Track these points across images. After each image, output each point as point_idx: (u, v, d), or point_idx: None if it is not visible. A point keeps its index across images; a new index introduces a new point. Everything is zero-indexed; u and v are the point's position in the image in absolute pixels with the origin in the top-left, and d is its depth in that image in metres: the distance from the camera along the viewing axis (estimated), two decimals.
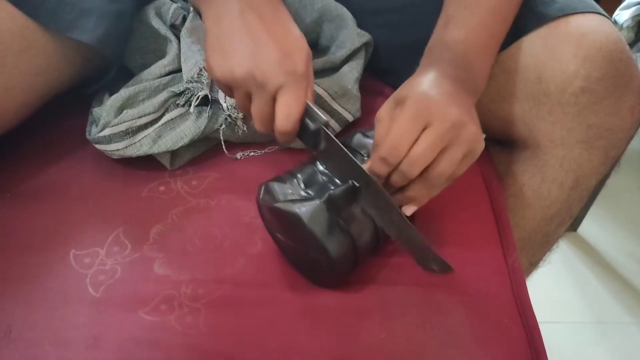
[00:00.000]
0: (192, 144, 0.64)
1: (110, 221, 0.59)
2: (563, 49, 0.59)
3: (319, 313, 0.52)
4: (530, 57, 0.62)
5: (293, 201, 0.50)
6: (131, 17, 0.69)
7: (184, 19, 0.70)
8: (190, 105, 0.63)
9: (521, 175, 0.67)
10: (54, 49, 0.61)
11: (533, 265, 0.78)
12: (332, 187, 0.51)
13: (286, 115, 0.50)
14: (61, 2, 0.60)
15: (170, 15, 0.70)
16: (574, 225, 1.41)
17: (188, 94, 0.63)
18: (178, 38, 0.68)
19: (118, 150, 0.61)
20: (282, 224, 0.52)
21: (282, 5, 0.55)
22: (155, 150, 0.62)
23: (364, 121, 0.70)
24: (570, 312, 1.25)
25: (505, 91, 0.65)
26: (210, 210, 0.60)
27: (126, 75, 0.69)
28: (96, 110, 0.63)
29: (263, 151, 0.67)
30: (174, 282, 0.53)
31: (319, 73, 0.69)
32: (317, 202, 0.48)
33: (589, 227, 1.41)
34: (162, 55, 0.68)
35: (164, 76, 0.66)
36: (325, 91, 0.67)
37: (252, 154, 0.67)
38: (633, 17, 1.16)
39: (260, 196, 0.52)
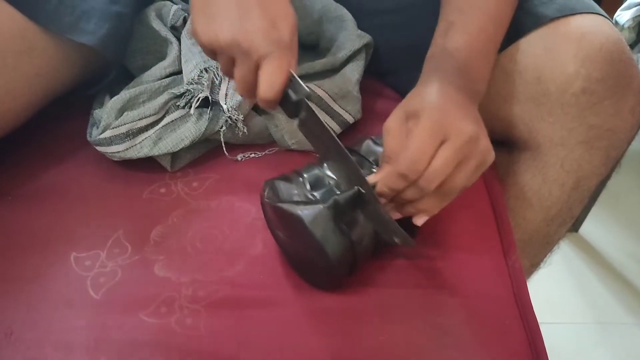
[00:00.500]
0: (193, 145, 0.64)
1: (110, 223, 0.59)
2: (563, 49, 0.59)
3: (319, 315, 0.52)
4: (530, 58, 0.62)
5: (297, 203, 0.50)
6: (132, 18, 0.69)
7: (185, 20, 0.70)
8: (190, 107, 0.63)
9: (522, 176, 0.67)
10: (54, 50, 0.61)
11: (534, 266, 0.78)
12: (338, 192, 0.51)
13: (269, 84, 0.49)
14: (62, 4, 0.60)
15: (170, 17, 0.70)
16: (575, 226, 1.40)
17: (188, 95, 0.63)
18: (179, 40, 0.68)
19: (119, 152, 0.61)
20: (284, 224, 0.52)
21: None
22: (155, 152, 0.62)
23: (365, 122, 0.70)
24: (571, 313, 1.25)
25: (505, 92, 0.65)
26: (210, 212, 0.60)
27: (127, 76, 0.69)
28: (97, 112, 0.64)
29: (263, 153, 0.67)
30: (175, 284, 0.53)
31: (320, 74, 0.70)
32: (320, 206, 0.48)
33: (590, 227, 1.41)
34: (162, 57, 0.68)
35: (164, 78, 0.66)
36: (326, 92, 0.67)
37: (253, 155, 0.67)
38: (634, 18, 1.16)
39: (265, 194, 0.52)
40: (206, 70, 0.64)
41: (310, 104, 0.50)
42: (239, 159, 0.66)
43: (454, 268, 0.56)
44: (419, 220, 0.52)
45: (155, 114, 0.62)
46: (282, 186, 0.52)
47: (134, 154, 0.62)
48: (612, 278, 1.32)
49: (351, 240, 0.50)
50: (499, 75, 0.64)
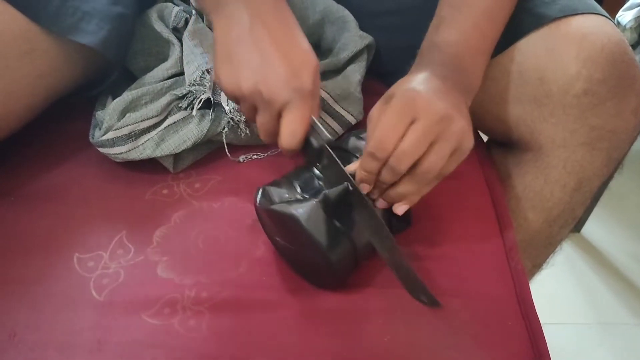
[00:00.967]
0: (195, 147, 0.64)
1: (113, 224, 0.59)
2: (564, 50, 0.59)
3: (322, 316, 0.52)
4: (532, 59, 0.62)
5: (289, 202, 0.50)
6: (133, 20, 0.69)
7: (186, 22, 0.70)
8: (192, 108, 0.63)
9: (523, 177, 0.67)
10: (56, 52, 0.61)
11: (536, 267, 0.78)
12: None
13: (290, 133, 0.50)
14: (64, 5, 0.60)
15: (172, 19, 0.70)
16: (577, 227, 1.40)
17: (190, 97, 0.63)
18: (180, 41, 0.68)
19: (121, 153, 0.61)
20: (279, 227, 0.52)
21: (291, 16, 0.55)
22: (158, 153, 0.62)
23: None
24: (573, 314, 1.24)
25: (506, 93, 0.64)
26: (213, 213, 0.60)
27: (129, 78, 0.69)
28: (99, 114, 0.64)
29: (266, 154, 0.67)
30: (177, 285, 0.53)
31: (322, 76, 0.69)
32: (313, 202, 0.48)
33: (592, 228, 1.41)
34: (164, 58, 0.68)
35: (166, 79, 0.66)
36: (328, 94, 0.67)
37: (255, 156, 0.67)
38: (636, 18, 1.15)
39: (257, 199, 0.52)
40: (208, 72, 0.64)
41: (330, 151, 0.50)
42: (241, 160, 0.66)
43: (456, 269, 0.56)
44: (399, 209, 0.51)
45: (157, 116, 0.62)
46: (273, 190, 0.52)
47: (136, 155, 0.62)
48: (614, 279, 1.32)
49: (349, 236, 0.49)
50: (500, 76, 0.64)
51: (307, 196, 0.52)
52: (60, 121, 0.70)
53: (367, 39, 0.72)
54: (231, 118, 0.63)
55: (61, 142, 0.68)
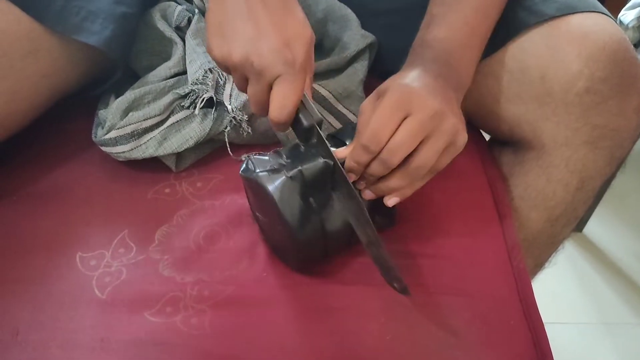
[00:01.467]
0: (197, 146, 0.64)
1: (115, 223, 0.59)
2: (566, 48, 0.59)
3: (324, 314, 0.52)
4: (533, 58, 0.62)
5: (269, 172, 0.50)
6: (137, 19, 0.69)
7: (189, 21, 0.70)
8: (195, 107, 0.63)
9: (526, 176, 0.67)
10: (60, 51, 0.62)
11: (538, 266, 0.78)
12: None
13: (280, 106, 0.49)
14: (67, 5, 0.60)
15: (175, 18, 0.70)
16: (580, 226, 1.40)
17: (193, 96, 0.63)
18: (183, 40, 0.69)
19: (124, 152, 0.62)
20: (258, 199, 0.53)
21: None
22: (160, 152, 0.62)
23: None
24: (576, 313, 1.24)
25: (508, 92, 0.64)
26: (215, 211, 0.60)
27: (132, 77, 0.69)
28: (102, 113, 0.64)
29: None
30: (180, 283, 0.53)
31: (324, 74, 0.70)
32: (284, 177, 0.49)
33: (594, 227, 1.41)
34: (167, 57, 0.69)
35: (169, 78, 0.66)
36: (330, 93, 0.67)
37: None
38: (638, 18, 1.15)
39: (241, 168, 0.52)
40: (211, 71, 0.64)
41: (320, 131, 0.50)
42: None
43: (458, 268, 0.56)
44: (390, 201, 0.52)
45: (160, 115, 0.62)
46: (257, 160, 0.52)
47: (139, 154, 0.62)
48: (616, 278, 1.32)
49: (321, 219, 0.49)
50: (502, 74, 0.64)
51: (289, 161, 0.51)
52: (63, 120, 0.70)
53: (369, 37, 0.72)
54: (233, 117, 0.63)
55: (63, 141, 0.68)
